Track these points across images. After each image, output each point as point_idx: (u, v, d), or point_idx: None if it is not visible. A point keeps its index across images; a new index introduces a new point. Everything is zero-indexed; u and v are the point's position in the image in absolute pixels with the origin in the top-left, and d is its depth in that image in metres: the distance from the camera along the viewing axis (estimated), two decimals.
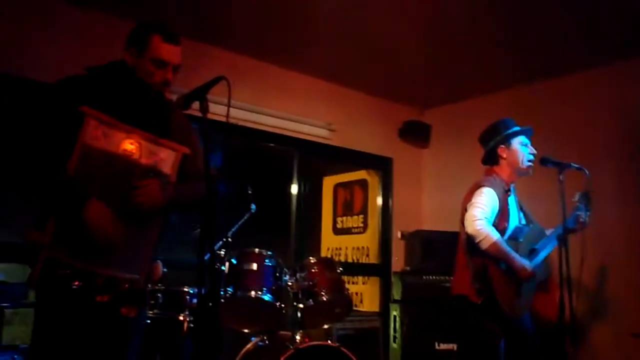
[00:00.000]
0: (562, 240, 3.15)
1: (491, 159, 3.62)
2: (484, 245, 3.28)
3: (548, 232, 3.51)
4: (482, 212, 3.34)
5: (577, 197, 3.51)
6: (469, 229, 3.33)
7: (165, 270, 2.48)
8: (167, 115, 2.42)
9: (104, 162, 2.19)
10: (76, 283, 2.12)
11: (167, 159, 2.31)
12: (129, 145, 2.22)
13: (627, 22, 4.10)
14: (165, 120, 2.40)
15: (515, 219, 3.54)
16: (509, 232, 3.46)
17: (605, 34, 4.29)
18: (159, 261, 2.45)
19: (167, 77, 2.32)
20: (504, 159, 3.55)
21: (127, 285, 2.21)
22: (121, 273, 2.21)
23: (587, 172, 3.17)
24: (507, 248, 3.31)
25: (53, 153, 2.14)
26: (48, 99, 2.26)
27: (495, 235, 3.28)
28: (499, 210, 3.43)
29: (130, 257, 2.24)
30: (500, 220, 3.43)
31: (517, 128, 3.56)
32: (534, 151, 3.50)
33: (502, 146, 3.55)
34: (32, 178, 2.23)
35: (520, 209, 3.63)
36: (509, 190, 3.53)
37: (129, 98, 2.32)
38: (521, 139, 3.53)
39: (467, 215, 3.37)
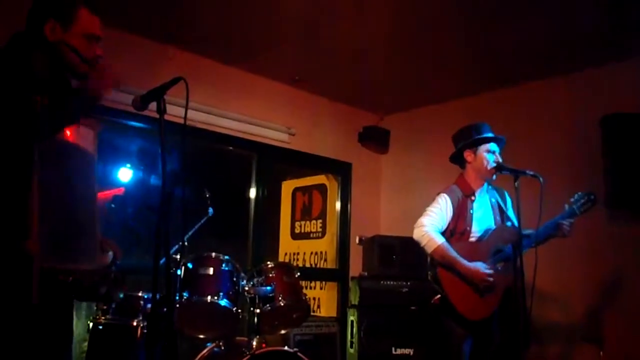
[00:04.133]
0: (517, 246, 3.19)
1: (458, 160, 3.69)
2: (429, 250, 3.45)
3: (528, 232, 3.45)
4: (429, 219, 3.50)
5: (575, 197, 3.45)
6: (414, 235, 3.52)
7: (111, 254, 2.36)
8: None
9: (64, 150, 2.07)
10: (70, 278, 2.02)
11: (88, 137, 2.20)
12: (68, 130, 2.09)
13: (584, 34, 4.22)
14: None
15: (487, 221, 3.58)
16: (478, 234, 3.52)
17: (562, 44, 4.40)
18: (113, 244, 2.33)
19: (99, 52, 2.18)
20: (469, 163, 3.61)
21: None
22: (77, 265, 2.10)
23: (541, 179, 3.22)
24: (454, 253, 3.39)
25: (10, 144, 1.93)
26: None
27: (439, 240, 3.42)
28: (455, 215, 3.53)
29: (80, 248, 2.13)
30: (458, 224, 3.53)
31: (489, 134, 3.61)
32: (499, 160, 3.54)
33: (469, 150, 3.61)
34: None
35: (500, 211, 3.66)
36: (471, 194, 3.58)
37: (56, 80, 2.15)
38: (489, 146, 3.57)
39: (416, 222, 3.53)
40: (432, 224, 3.48)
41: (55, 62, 2.12)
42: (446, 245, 3.41)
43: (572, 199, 3.46)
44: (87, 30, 2.14)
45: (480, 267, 3.36)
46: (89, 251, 2.15)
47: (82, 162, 2.16)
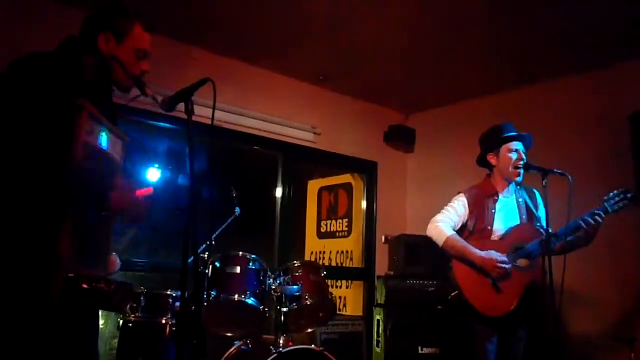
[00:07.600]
0: (546, 244, 3.15)
1: (485, 164, 3.69)
2: (440, 244, 3.51)
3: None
4: (442, 216, 3.59)
5: (610, 194, 3.31)
6: (427, 231, 3.61)
7: (119, 262, 2.36)
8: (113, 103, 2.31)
9: (97, 159, 2.04)
10: (85, 285, 1.94)
11: (116, 145, 2.19)
12: (105, 138, 2.08)
13: (611, 29, 4.15)
14: (113, 109, 2.28)
15: (512, 221, 3.54)
16: (501, 233, 3.50)
17: (590, 40, 4.34)
18: (114, 254, 2.30)
19: (145, 68, 2.23)
20: (495, 166, 3.61)
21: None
22: (96, 272, 2.07)
23: (570, 177, 3.18)
24: (464, 243, 3.43)
25: (51, 149, 1.88)
26: (35, 88, 1.94)
27: (448, 232, 3.48)
28: (473, 213, 3.56)
29: (98, 255, 2.14)
30: (477, 222, 3.55)
31: (512, 134, 3.57)
32: (523, 158, 3.50)
33: (491, 154, 3.61)
34: (29, 178, 1.87)
35: (528, 211, 3.60)
36: (494, 194, 3.56)
37: (100, 87, 2.18)
38: (511, 145, 3.54)
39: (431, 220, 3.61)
40: (443, 220, 3.54)
41: (103, 72, 2.16)
42: (456, 236, 3.46)
43: (606, 197, 3.34)
44: (138, 46, 2.18)
45: (493, 254, 3.34)
46: (103, 257, 2.16)
47: (108, 168, 2.15)
